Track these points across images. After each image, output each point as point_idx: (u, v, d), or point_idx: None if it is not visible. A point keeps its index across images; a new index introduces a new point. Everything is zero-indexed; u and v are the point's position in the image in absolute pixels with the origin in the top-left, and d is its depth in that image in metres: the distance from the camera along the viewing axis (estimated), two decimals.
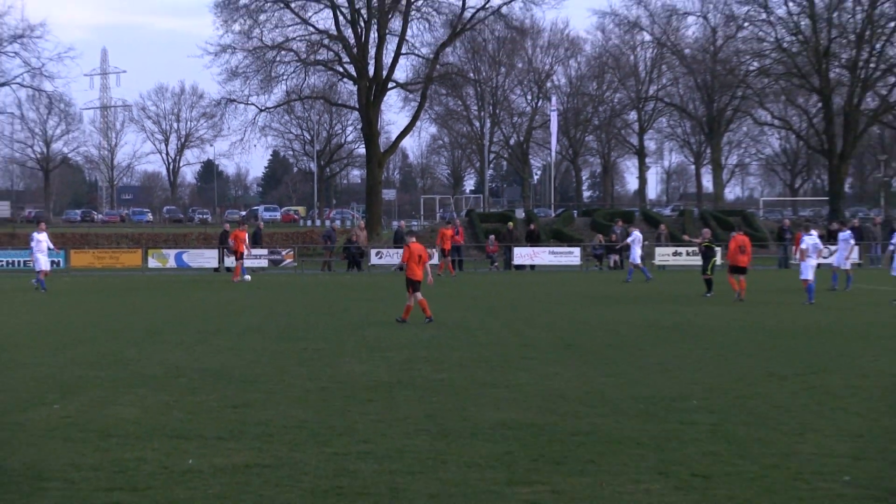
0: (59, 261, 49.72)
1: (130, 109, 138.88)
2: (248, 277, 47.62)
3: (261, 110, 79.21)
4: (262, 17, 72.77)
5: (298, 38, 74.59)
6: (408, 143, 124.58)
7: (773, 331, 25.10)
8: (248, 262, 50.01)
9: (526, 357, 20.14)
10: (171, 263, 61.66)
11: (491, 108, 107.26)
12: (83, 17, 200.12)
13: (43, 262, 41.54)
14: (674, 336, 24.13)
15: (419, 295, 27.06)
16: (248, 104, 77.00)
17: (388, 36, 74.06)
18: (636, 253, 47.70)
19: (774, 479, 10.39)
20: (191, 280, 51.85)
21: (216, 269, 58.26)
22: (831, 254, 41.25)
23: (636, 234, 49.27)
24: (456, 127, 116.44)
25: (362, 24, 73.38)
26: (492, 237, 64.12)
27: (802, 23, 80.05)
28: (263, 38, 73.04)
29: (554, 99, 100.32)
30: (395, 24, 74.21)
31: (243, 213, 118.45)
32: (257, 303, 35.33)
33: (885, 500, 9.63)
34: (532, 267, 60.60)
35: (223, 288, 44.41)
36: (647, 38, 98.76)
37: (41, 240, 41.73)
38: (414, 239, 28.91)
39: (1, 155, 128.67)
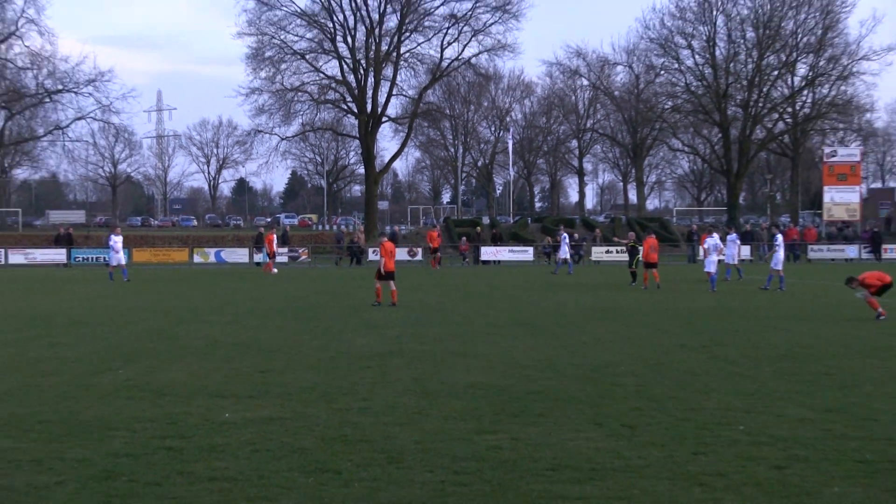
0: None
1: (180, 138, 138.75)
2: (275, 270, 47.55)
3: (282, 139, 79.26)
4: (283, 66, 72.83)
5: (311, 83, 74.64)
6: (398, 164, 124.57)
7: (683, 312, 25.18)
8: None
9: (490, 333, 20.15)
10: (212, 259, 61.58)
11: (462, 137, 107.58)
12: (143, 66, 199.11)
13: (118, 258, 41.36)
14: (606, 316, 24.20)
15: (379, 283, 27.17)
16: (271, 134, 77.02)
17: (382, 81, 74.19)
18: (564, 249, 47.72)
19: (685, 428, 10.42)
20: (227, 272, 51.69)
21: (257, 264, 57.95)
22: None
23: (564, 234, 49.44)
24: (435, 152, 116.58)
25: (362, 71, 73.42)
26: (464, 238, 64.16)
27: (706, 71, 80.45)
28: (284, 83, 73.03)
29: (511, 130, 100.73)
30: (388, 71, 74.36)
31: (268, 219, 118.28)
32: (279, 290, 35.23)
33: (771, 444, 9.64)
34: (497, 262, 60.64)
35: (253, 278, 44.31)
36: (585, 82, 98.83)
37: (117, 240, 41.58)
38: (386, 238, 29.11)
39: (78, 174, 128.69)
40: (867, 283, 22.53)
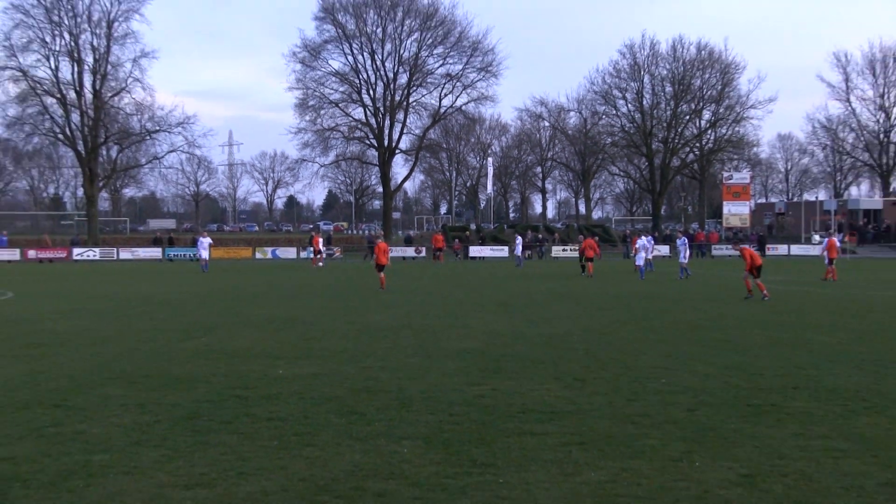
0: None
1: (245, 165, 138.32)
2: (321, 264, 47.53)
3: (321, 166, 78.88)
4: (322, 112, 72.56)
5: (343, 124, 74.26)
6: (407, 185, 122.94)
7: (619, 296, 25.16)
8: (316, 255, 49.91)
9: (476, 310, 20.18)
10: (269, 256, 61.41)
11: (455, 164, 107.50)
12: (219, 112, 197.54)
13: (205, 254, 41.62)
14: (563, 299, 24.18)
15: (382, 274, 27.22)
16: (313, 162, 76.63)
17: (396, 123, 73.94)
18: (519, 249, 47.97)
19: (620, 382, 10.46)
20: (281, 265, 51.60)
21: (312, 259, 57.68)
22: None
23: (518, 238, 49.66)
24: (435, 175, 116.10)
25: (381, 116, 73.27)
26: (457, 240, 64.07)
27: (636, 116, 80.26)
28: (323, 124, 72.71)
29: (491, 159, 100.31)
30: (400, 116, 74.06)
31: (312, 226, 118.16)
32: (319, 279, 35.20)
33: (685, 392, 9.69)
34: (482, 258, 60.51)
35: (301, 270, 44.25)
36: (546, 124, 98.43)
37: (204, 241, 42.01)
38: (381, 240, 29.15)
39: (170, 192, 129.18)
40: (743, 254, 22.61)
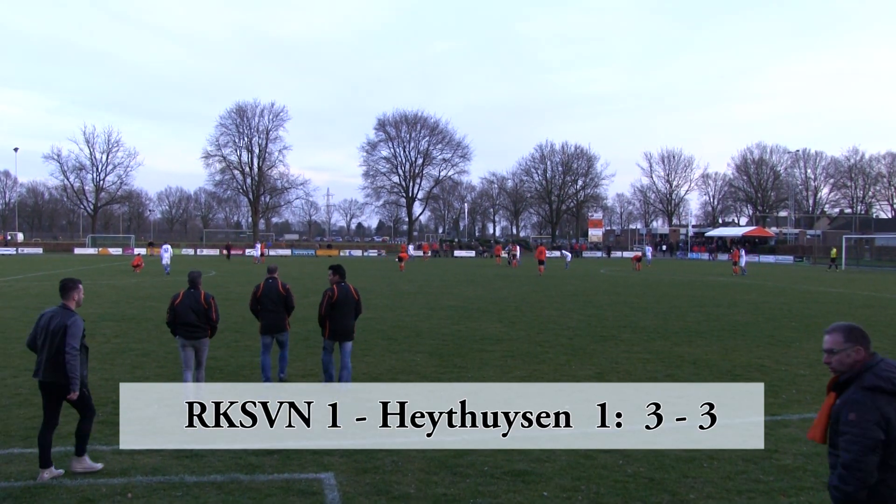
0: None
1: (335, 206, 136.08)
2: (402, 265, 45.55)
3: (376, 207, 78.83)
4: (376, 178, 72.30)
5: (387, 184, 74.45)
6: (422, 217, 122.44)
7: (530, 277, 23.98)
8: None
9: (456, 284, 19.47)
10: (347, 254, 60.11)
11: (446, 206, 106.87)
12: (323, 177, 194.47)
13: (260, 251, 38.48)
14: (502, 279, 23.00)
15: (400, 263, 27.07)
16: (372, 205, 76.47)
17: (415, 185, 73.91)
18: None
19: (533, 323, 10.17)
20: (353, 259, 50.02)
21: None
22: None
23: (510, 248, 41.92)
24: (437, 212, 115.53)
25: (407, 180, 73.17)
26: (445, 245, 63.31)
27: (543, 182, 79.75)
28: (376, 184, 72.84)
29: (465, 204, 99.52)
30: (418, 181, 74.08)
31: (400, 239, 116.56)
32: (379, 265, 33.86)
33: (566, 328, 9.45)
34: (459, 256, 59.29)
35: (363, 261, 43.28)
36: (496, 185, 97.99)
37: (263, 244, 39.37)
38: (410, 246, 28.36)
39: (295, 219, 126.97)
40: (540, 251, 22.26)
